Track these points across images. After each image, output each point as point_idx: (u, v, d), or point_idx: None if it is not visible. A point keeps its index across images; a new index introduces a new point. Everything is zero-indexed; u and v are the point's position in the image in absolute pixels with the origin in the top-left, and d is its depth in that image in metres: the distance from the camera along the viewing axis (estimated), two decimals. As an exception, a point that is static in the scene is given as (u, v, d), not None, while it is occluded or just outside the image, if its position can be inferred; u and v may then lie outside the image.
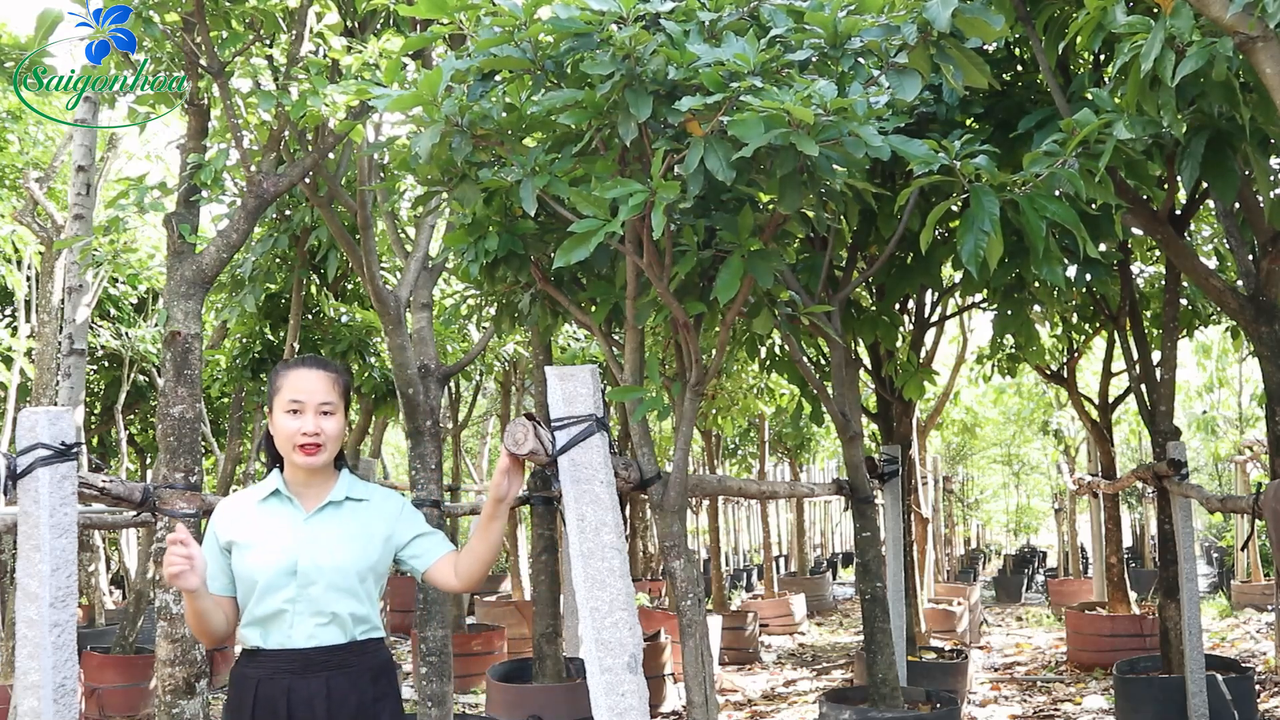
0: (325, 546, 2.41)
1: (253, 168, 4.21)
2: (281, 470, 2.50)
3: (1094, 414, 7.75)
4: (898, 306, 5.23)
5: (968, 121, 4.14)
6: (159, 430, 4.03)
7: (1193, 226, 6.65)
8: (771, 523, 14.22)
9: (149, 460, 12.36)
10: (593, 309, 3.81)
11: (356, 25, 4.73)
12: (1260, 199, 4.30)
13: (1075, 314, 6.84)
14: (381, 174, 5.38)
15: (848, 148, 2.69)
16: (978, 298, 5.93)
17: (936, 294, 5.64)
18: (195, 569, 2.26)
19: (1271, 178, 3.94)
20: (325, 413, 2.42)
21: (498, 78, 3.09)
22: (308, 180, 4.73)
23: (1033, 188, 2.97)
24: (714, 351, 3.64)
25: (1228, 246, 5.60)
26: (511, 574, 11.50)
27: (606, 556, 2.49)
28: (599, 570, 2.49)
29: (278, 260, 6.41)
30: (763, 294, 3.55)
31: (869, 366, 6.16)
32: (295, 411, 2.40)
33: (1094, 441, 8.79)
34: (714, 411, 9.37)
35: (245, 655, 2.46)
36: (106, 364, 10.21)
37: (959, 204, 3.20)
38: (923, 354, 5.80)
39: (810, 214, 3.38)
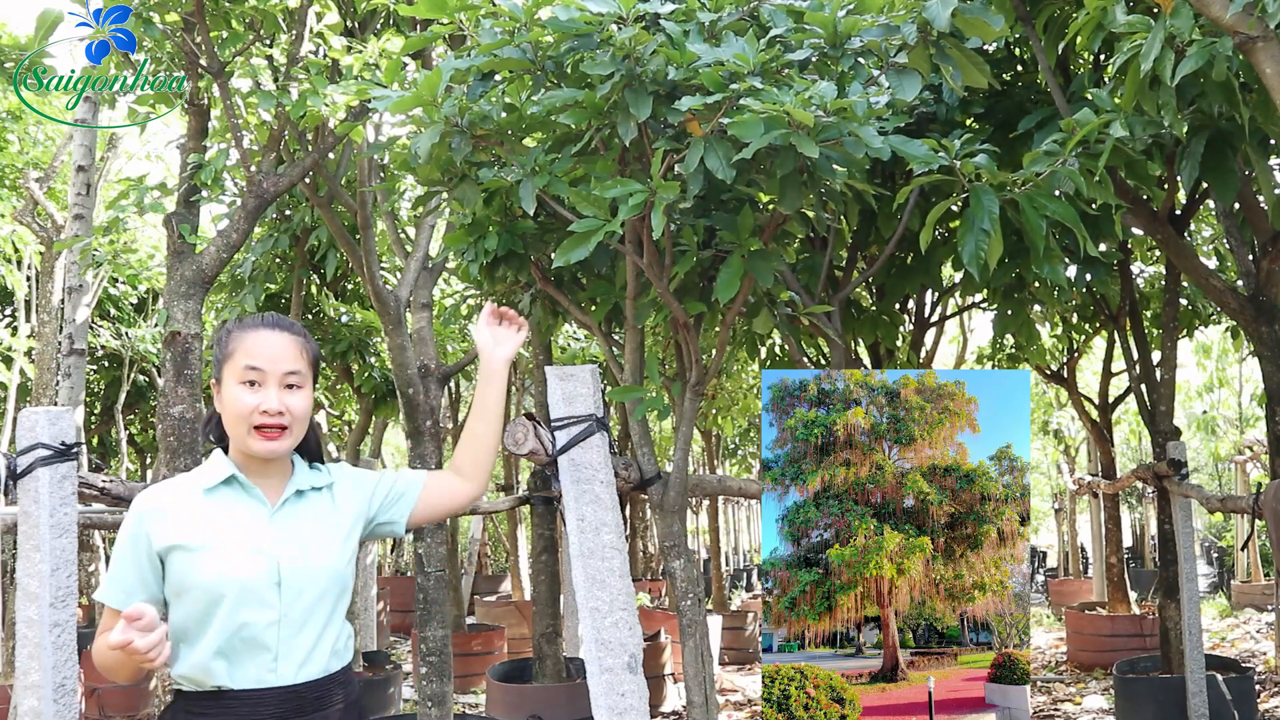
0: (306, 546, 1.92)
1: (253, 168, 4.21)
2: (226, 452, 1.99)
3: (1094, 414, 7.75)
4: (898, 306, 5.22)
5: (968, 121, 4.13)
6: (159, 430, 4.03)
7: (1193, 226, 6.65)
8: (771, 523, 14.18)
9: (149, 460, 12.36)
10: (593, 309, 3.81)
11: (356, 25, 4.73)
12: (1260, 199, 4.30)
13: (1075, 314, 6.84)
14: (381, 174, 5.39)
15: (848, 148, 2.69)
16: (978, 298, 5.93)
17: (936, 294, 5.64)
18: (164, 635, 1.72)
19: (1272, 178, 3.94)
20: (291, 385, 1.93)
21: (497, 78, 3.09)
22: (308, 180, 4.73)
23: (1033, 187, 2.97)
24: (714, 351, 3.64)
25: (1228, 246, 5.60)
26: (511, 574, 11.50)
27: (606, 556, 2.50)
28: (599, 570, 2.49)
29: (278, 260, 6.41)
30: (763, 294, 3.55)
31: (869, 366, 6.15)
32: (253, 383, 1.91)
33: (1094, 441, 8.79)
34: (714, 411, 9.37)
35: (199, 699, 1.86)
36: (106, 364, 10.22)
37: (959, 204, 3.20)
38: (923, 354, 5.79)
39: (810, 214, 3.39)
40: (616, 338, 4.00)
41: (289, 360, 1.93)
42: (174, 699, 1.90)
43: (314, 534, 1.94)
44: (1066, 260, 3.80)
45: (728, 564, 17.99)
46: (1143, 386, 5.81)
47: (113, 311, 9.85)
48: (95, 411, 10.68)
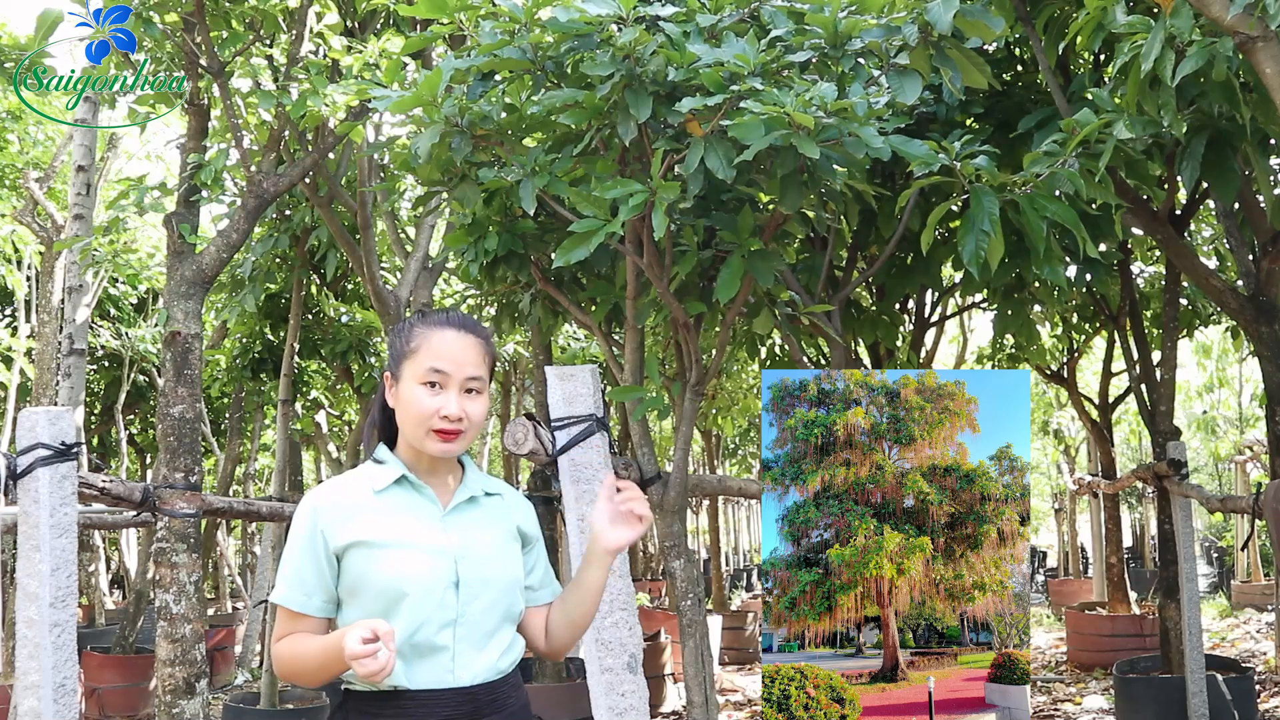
0: (481, 551, 1.88)
1: (253, 168, 4.21)
2: (391, 449, 1.94)
3: (1094, 414, 7.75)
4: (898, 306, 5.23)
5: (968, 121, 4.14)
6: (159, 430, 4.03)
7: (1193, 226, 6.65)
8: (771, 523, 14.19)
9: (149, 460, 12.36)
10: (593, 309, 3.81)
11: (356, 25, 4.73)
12: (1260, 199, 4.30)
13: (1075, 314, 6.84)
14: (381, 174, 5.39)
15: (848, 148, 2.69)
16: (978, 298, 5.93)
17: (936, 294, 5.64)
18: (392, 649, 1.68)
19: (1272, 178, 3.94)
20: (471, 390, 1.87)
21: (497, 78, 3.09)
22: (308, 180, 4.73)
23: (1033, 188, 2.98)
24: (714, 351, 3.64)
25: (1228, 246, 5.61)
26: (511, 574, 11.48)
27: (606, 557, 2.49)
28: (599, 570, 2.49)
29: (278, 260, 6.42)
30: (763, 294, 3.55)
31: (869, 366, 6.15)
32: (435, 385, 1.84)
33: (1094, 441, 8.79)
34: (714, 411, 9.38)
35: (373, 699, 1.81)
36: (106, 364, 10.22)
37: (959, 204, 3.20)
38: (923, 354, 5.79)
39: (810, 214, 3.39)
40: (616, 338, 4.00)
41: (473, 365, 1.87)
42: (344, 698, 1.85)
43: (489, 539, 1.90)
44: (1066, 260, 3.80)
45: (728, 564, 18.00)
46: (1143, 386, 5.81)
47: (113, 311, 9.85)
48: (95, 411, 10.68)
